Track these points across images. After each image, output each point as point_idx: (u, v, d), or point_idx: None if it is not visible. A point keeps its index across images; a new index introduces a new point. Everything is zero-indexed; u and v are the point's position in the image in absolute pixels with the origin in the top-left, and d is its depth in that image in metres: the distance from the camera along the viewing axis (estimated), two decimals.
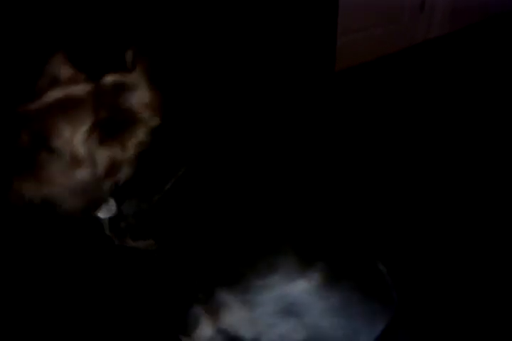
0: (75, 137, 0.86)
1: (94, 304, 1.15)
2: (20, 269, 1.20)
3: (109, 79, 0.93)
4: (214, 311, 0.92)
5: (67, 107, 0.87)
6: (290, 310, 0.87)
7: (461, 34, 2.79)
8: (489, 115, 2.03)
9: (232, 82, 1.75)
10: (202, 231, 1.01)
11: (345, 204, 1.47)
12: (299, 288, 0.88)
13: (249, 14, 1.80)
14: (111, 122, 0.87)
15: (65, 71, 0.93)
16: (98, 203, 1.00)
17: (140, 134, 0.90)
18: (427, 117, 2.02)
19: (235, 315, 0.90)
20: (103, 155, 0.87)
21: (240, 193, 1.01)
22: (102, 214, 1.06)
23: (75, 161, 0.87)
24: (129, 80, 0.93)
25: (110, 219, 1.18)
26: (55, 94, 0.89)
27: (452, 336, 1.12)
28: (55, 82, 0.92)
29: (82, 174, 0.89)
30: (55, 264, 1.22)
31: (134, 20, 1.57)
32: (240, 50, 1.80)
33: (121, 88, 0.92)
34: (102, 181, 0.91)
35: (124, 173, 0.94)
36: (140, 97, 0.93)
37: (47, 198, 0.91)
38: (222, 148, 1.10)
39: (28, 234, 1.27)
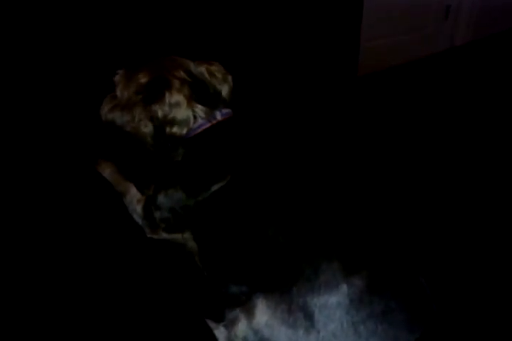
0: None
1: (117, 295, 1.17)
2: (29, 267, 1.21)
3: None
4: (251, 311, 0.93)
5: None
6: (331, 315, 0.88)
7: (484, 43, 2.80)
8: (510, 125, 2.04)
9: (256, 86, 1.79)
10: (243, 235, 1.04)
11: (389, 216, 1.47)
12: (342, 293, 0.88)
13: (272, 19, 1.84)
14: None
15: None
16: None
17: None
18: (448, 124, 2.03)
19: (272, 317, 0.91)
20: None
21: (283, 199, 1.05)
22: None
23: None
24: None
25: (144, 207, 1.25)
26: None
27: None
28: None
29: None
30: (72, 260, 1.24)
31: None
32: (264, 56, 1.85)
33: None
34: None
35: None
36: None
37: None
38: (265, 156, 1.16)
39: (28, 234, 1.29)
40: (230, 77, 1.25)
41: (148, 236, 1.25)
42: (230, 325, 0.97)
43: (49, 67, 1.52)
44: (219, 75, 1.23)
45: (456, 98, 2.24)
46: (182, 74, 1.17)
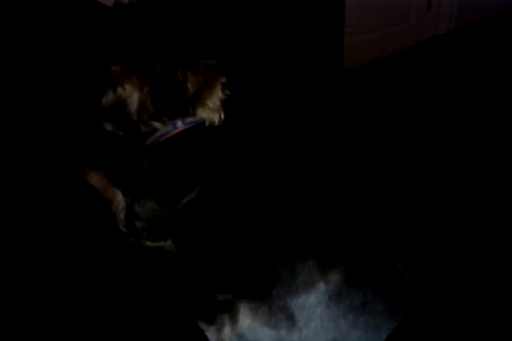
0: None
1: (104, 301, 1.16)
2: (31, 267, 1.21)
3: None
4: (235, 317, 0.95)
5: None
6: (311, 314, 0.89)
7: (468, 30, 2.82)
8: (498, 110, 2.05)
9: (241, 84, 1.79)
10: (219, 240, 1.05)
11: (359, 205, 1.48)
12: (320, 291, 0.89)
13: (254, 15, 1.84)
14: None
15: None
16: None
17: None
18: (436, 114, 2.04)
19: (254, 320, 0.93)
20: None
21: (253, 204, 1.06)
22: None
23: None
24: None
25: (126, 216, 1.23)
26: None
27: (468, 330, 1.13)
28: None
29: None
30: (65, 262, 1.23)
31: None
32: (246, 52, 1.84)
33: None
34: None
35: None
36: None
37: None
38: (235, 161, 1.15)
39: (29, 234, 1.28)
40: (217, 85, 1.18)
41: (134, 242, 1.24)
42: (218, 329, 0.98)
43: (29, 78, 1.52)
44: (201, 80, 1.17)
45: (443, 86, 2.25)
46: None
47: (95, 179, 1.39)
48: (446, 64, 2.46)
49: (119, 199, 1.29)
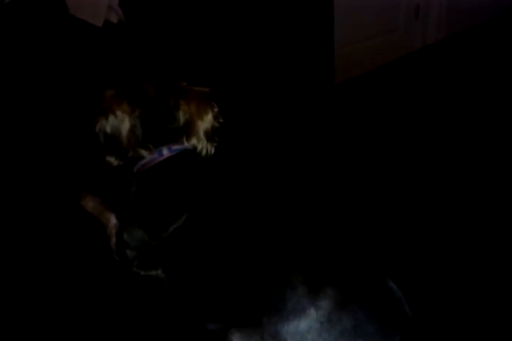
0: None
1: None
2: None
3: None
4: None
5: None
6: (303, 340, 0.90)
7: (457, 39, 2.84)
8: (491, 117, 2.06)
9: (230, 99, 1.78)
10: (208, 268, 1.05)
11: (347, 222, 1.48)
12: (311, 317, 0.90)
13: (244, 29, 1.83)
14: None
15: None
16: None
17: None
18: (431, 124, 2.05)
19: None
20: None
21: (240, 231, 1.06)
22: None
23: None
24: None
25: (116, 243, 1.24)
26: None
27: None
28: None
29: None
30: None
31: None
32: (235, 64, 1.83)
33: None
34: None
35: None
36: None
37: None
38: (221, 188, 1.15)
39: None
40: (210, 113, 1.18)
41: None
42: None
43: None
44: (193, 109, 1.16)
45: (435, 96, 2.26)
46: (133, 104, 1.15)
47: (91, 204, 1.39)
48: (437, 75, 2.48)
49: (112, 225, 1.30)
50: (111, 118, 1.14)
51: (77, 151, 1.48)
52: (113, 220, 1.31)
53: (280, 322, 0.92)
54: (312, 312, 0.90)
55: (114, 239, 1.25)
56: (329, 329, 0.90)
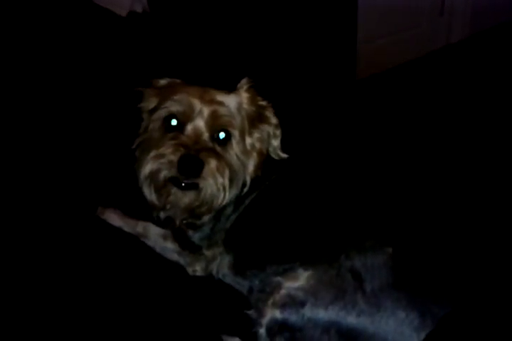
0: None
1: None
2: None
3: None
4: (294, 278, 1.04)
5: None
6: (375, 274, 0.99)
7: (482, 37, 2.78)
8: None
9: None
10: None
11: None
12: (387, 255, 1.02)
13: (268, 23, 1.82)
14: None
15: None
16: None
17: None
18: (451, 121, 2.02)
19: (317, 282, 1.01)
20: None
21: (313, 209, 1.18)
22: None
23: None
24: None
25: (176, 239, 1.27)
26: None
27: None
28: None
29: None
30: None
31: None
32: (257, 63, 1.83)
33: None
34: None
35: None
36: None
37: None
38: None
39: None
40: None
41: (192, 274, 1.26)
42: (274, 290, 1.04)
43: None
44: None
45: (458, 96, 2.23)
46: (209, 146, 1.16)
47: (113, 217, 1.30)
48: (460, 73, 2.43)
49: (156, 231, 1.27)
50: None
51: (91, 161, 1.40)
52: (153, 227, 1.28)
53: (357, 257, 1.01)
54: (389, 250, 1.01)
55: (168, 240, 1.27)
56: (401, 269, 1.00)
